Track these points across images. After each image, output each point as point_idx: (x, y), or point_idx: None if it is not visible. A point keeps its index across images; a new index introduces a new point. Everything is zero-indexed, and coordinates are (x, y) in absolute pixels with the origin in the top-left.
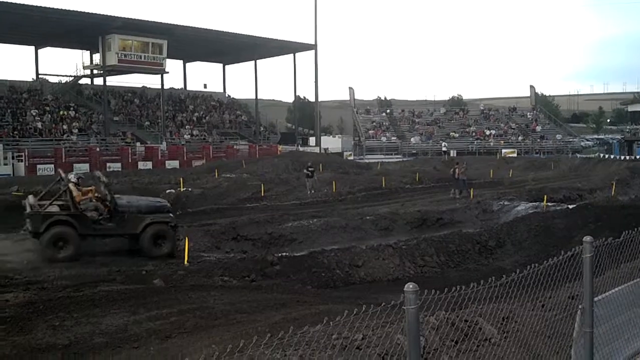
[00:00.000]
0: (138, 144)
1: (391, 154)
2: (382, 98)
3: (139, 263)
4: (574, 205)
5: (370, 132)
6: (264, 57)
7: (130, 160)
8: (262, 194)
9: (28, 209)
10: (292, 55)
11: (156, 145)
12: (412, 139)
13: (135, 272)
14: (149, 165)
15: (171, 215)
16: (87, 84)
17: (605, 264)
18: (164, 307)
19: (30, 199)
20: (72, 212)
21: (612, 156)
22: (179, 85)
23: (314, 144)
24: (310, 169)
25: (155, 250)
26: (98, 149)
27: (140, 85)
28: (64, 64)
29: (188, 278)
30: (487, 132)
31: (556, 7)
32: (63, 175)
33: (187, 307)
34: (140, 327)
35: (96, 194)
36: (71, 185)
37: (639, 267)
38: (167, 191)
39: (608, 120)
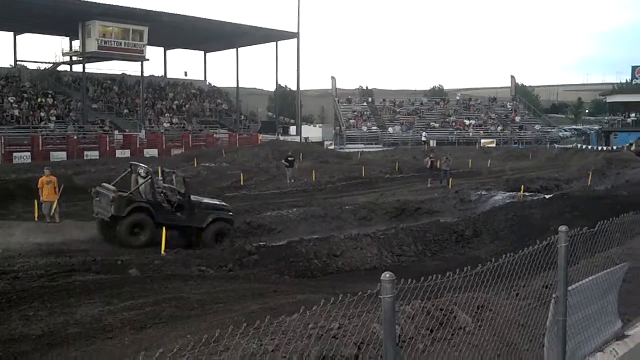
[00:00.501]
0: (116, 132)
1: (371, 144)
2: (364, 87)
3: (114, 252)
4: (551, 195)
5: (351, 121)
6: (246, 45)
7: (108, 149)
8: (242, 183)
9: (111, 194)
10: (274, 43)
11: (135, 133)
12: (389, 129)
13: (111, 262)
14: (127, 153)
15: (231, 214)
16: (66, 71)
17: (579, 253)
18: (140, 297)
19: (107, 185)
20: (151, 200)
21: (589, 147)
22: (159, 72)
23: (295, 133)
24: (290, 158)
25: (214, 245)
26: (76, 137)
27: (119, 73)
28: (43, 50)
29: (164, 268)
30: (467, 122)
31: None
32: (135, 167)
33: (163, 297)
34: (115, 317)
35: (171, 187)
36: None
37: (613, 256)
38: None
39: (587, 111)
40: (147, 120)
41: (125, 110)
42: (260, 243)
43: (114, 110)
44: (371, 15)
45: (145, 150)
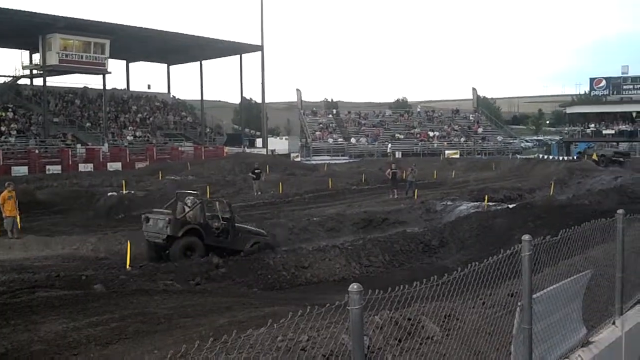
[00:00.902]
0: (79, 145)
1: (338, 156)
2: (329, 100)
3: (78, 268)
4: (514, 205)
5: (317, 133)
6: (210, 58)
7: (70, 163)
8: (208, 196)
9: (167, 217)
10: (239, 56)
11: (98, 147)
12: (352, 139)
13: (75, 278)
14: (90, 167)
15: (268, 238)
16: (26, 85)
17: (543, 262)
18: (105, 312)
19: (159, 210)
20: (202, 223)
21: (551, 157)
22: (121, 85)
23: (261, 146)
24: (256, 170)
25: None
26: (37, 151)
27: (81, 86)
28: (2, 64)
29: (130, 282)
30: (431, 134)
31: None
32: (182, 195)
33: (129, 312)
34: (79, 333)
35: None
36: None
37: (576, 264)
38: (109, 194)
39: (547, 122)
40: (110, 134)
41: (88, 124)
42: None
43: (76, 123)
44: (336, 29)
45: (108, 164)
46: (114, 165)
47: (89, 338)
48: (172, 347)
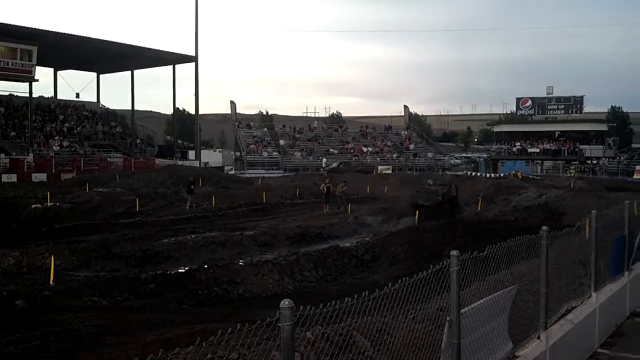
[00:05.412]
0: (2, 155)
1: (272, 169)
2: (264, 113)
3: None
4: (444, 221)
5: (252, 146)
6: (142, 68)
7: None
8: (137, 209)
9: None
10: (171, 66)
11: (22, 157)
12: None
13: None
14: (13, 178)
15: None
16: None
17: (471, 277)
18: (27, 330)
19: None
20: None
21: (478, 174)
22: (49, 94)
23: (194, 158)
24: (191, 186)
25: None
26: None
27: (7, 93)
28: None
29: (53, 299)
30: (365, 149)
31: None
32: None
33: (52, 329)
34: (0, 351)
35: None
36: None
37: (502, 279)
38: (33, 206)
39: (475, 140)
40: (35, 143)
41: (13, 133)
42: (158, 271)
43: (0, 132)
44: (271, 42)
45: (33, 175)
46: (39, 176)
47: (10, 357)
48: None
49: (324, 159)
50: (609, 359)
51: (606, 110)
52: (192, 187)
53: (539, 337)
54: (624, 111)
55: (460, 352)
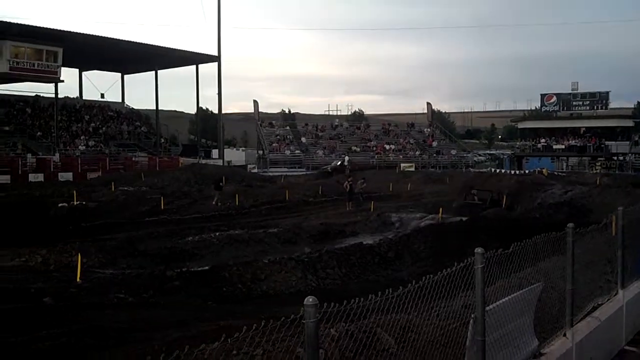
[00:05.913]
0: (29, 155)
1: (295, 167)
2: (287, 111)
3: (27, 280)
4: (467, 218)
5: (274, 145)
6: (166, 68)
7: (20, 172)
8: (162, 208)
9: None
10: (195, 66)
11: (49, 157)
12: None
13: (24, 290)
14: (40, 177)
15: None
16: None
17: (496, 274)
18: (54, 327)
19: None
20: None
21: (503, 170)
22: (74, 94)
23: (217, 157)
24: (220, 183)
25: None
26: None
27: (33, 94)
28: None
29: (80, 296)
30: (387, 147)
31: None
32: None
33: (79, 326)
34: (27, 348)
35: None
36: None
37: (527, 276)
38: (60, 205)
39: (499, 137)
40: (61, 143)
41: (39, 133)
42: (183, 269)
43: (27, 132)
44: (294, 41)
45: (59, 174)
46: (65, 176)
47: (38, 353)
48: None
49: (346, 157)
50: (636, 357)
51: (632, 106)
52: (220, 184)
53: (564, 335)
54: None
55: (485, 350)
